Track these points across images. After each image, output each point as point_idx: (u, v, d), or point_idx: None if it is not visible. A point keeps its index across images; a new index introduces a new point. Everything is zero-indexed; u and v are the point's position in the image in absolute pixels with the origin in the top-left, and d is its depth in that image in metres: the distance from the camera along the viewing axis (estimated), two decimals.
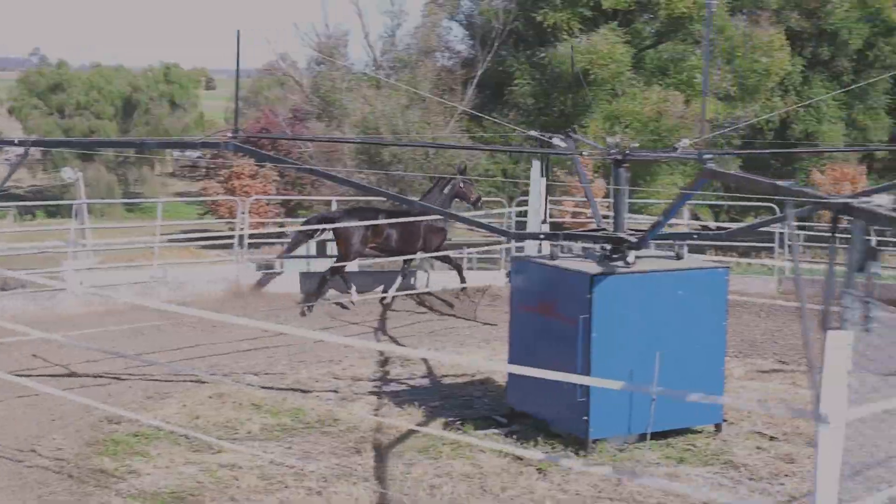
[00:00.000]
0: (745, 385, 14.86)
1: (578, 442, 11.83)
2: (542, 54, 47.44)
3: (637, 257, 12.27)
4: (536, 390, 12.20)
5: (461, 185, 21.69)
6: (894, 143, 52.75)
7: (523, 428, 12.68)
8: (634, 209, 29.04)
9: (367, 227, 20.88)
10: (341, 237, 20.97)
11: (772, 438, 12.28)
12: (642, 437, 11.77)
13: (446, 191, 21.69)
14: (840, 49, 52.46)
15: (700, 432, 12.49)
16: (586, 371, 11.48)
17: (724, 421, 12.67)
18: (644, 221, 22.51)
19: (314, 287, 20.98)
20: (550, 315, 12.23)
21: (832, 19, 51.29)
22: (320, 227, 21.49)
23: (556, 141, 14.28)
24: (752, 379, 15.33)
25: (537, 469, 11.05)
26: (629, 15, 49.30)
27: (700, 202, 42.83)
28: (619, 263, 12.14)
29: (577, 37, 46.69)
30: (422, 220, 21.16)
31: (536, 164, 15.00)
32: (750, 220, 32.25)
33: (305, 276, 22.08)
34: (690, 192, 13.51)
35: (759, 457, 11.66)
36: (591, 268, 11.96)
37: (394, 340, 18.30)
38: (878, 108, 53.58)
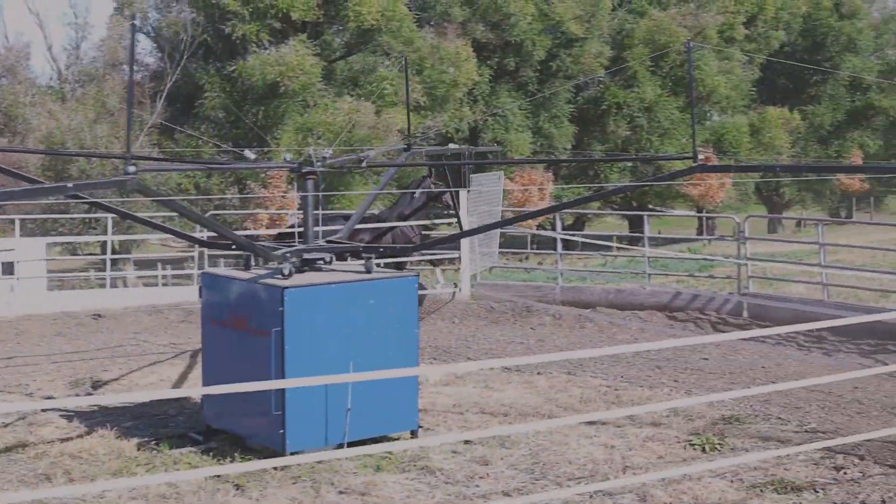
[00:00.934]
0: (440, 391, 15.07)
1: (276, 455, 11.68)
2: (233, 67, 47.00)
3: (329, 269, 12.29)
4: (232, 406, 12.00)
5: (432, 186, 21.15)
6: (578, 150, 55.19)
7: (220, 444, 12.42)
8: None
9: None
10: None
11: (466, 442, 12.48)
12: (340, 447, 11.74)
13: (417, 195, 20.99)
14: (525, 60, 54.49)
15: (397, 439, 12.57)
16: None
17: (420, 427, 12.81)
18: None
19: None
20: (243, 329, 12.06)
21: (516, 31, 53.17)
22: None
23: (248, 153, 14.10)
24: (448, 384, 15.57)
25: (234, 485, 10.84)
26: (318, 27, 49.56)
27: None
28: (308, 273, 12.15)
29: (266, 49, 46.52)
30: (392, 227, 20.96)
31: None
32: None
33: None
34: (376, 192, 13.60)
35: (455, 461, 11.82)
36: (282, 280, 11.87)
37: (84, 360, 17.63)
38: (561, 117, 55.91)
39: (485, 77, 53.03)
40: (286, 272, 12.06)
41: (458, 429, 13.13)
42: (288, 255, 12.37)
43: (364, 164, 14.09)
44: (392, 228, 20.92)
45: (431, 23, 52.50)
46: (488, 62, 53.89)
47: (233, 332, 12.24)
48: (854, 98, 77.70)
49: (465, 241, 22.70)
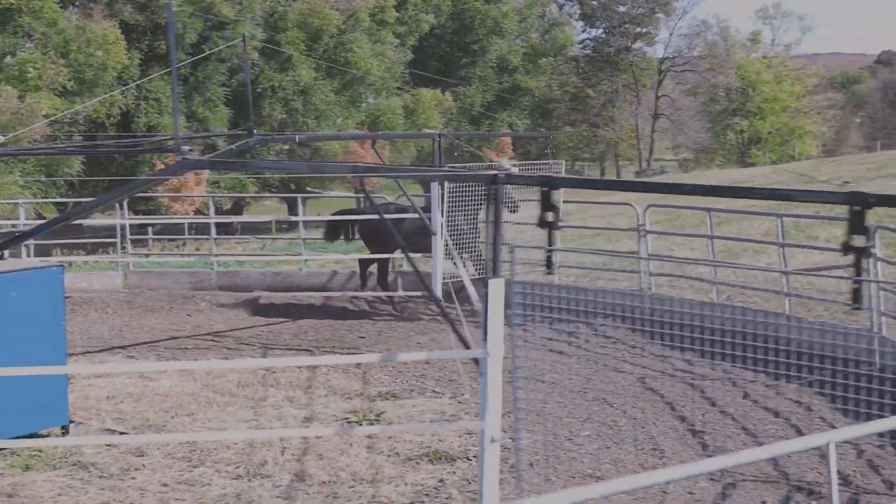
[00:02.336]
0: (93, 383, 14.61)
1: None
2: None
3: None
4: None
5: None
6: (235, 133, 54.59)
7: None
8: None
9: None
10: None
11: (122, 433, 12.18)
12: None
13: None
14: (176, 43, 53.38)
15: (47, 436, 12.09)
16: None
17: (72, 422, 12.37)
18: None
19: None
20: None
21: (165, 13, 52.01)
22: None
23: None
24: (101, 376, 15.09)
25: None
26: None
27: (44, 200, 41.83)
28: None
29: None
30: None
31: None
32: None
33: None
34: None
35: (110, 454, 11.50)
36: None
37: None
38: (216, 100, 55.24)
39: (135, 60, 51.70)
40: None
41: (112, 421, 12.78)
42: None
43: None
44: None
45: (76, 3, 50.65)
46: (138, 45, 52.57)
47: None
48: (502, 80, 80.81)
49: None
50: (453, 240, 18.11)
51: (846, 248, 6.87)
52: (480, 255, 19.00)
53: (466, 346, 11.14)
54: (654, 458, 11.16)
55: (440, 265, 18.27)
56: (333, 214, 21.99)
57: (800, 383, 13.85)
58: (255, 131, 15.81)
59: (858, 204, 6.83)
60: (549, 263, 9.69)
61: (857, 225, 6.84)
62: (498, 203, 8.04)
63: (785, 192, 8.31)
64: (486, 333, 7.40)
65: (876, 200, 6.88)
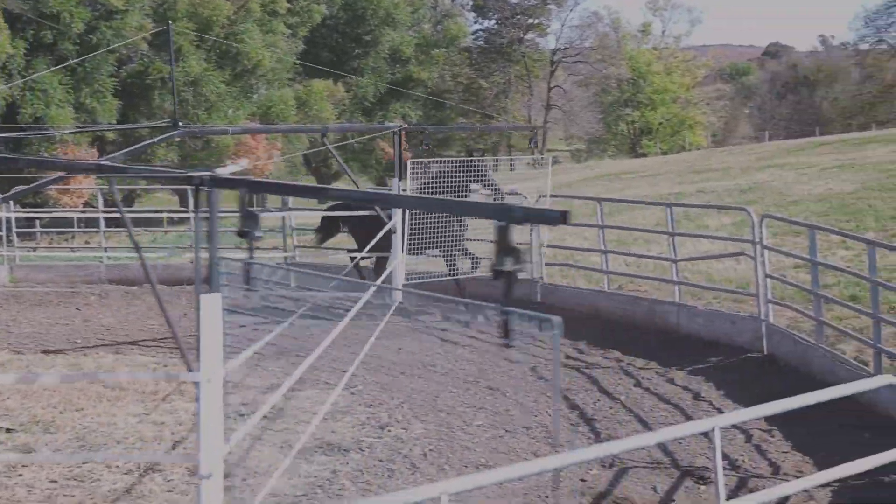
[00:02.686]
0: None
1: None
2: None
3: None
4: None
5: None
6: (125, 124, 53.71)
7: None
8: None
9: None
10: None
11: (8, 431, 11.92)
12: None
13: None
14: (62, 33, 52.34)
15: None
16: None
17: None
18: None
19: None
20: None
21: (51, 3, 51.03)
22: None
23: None
24: None
25: None
26: None
27: None
28: None
29: None
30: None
31: None
32: None
33: None
34: None
35: None
36: None
37: None
38: (104, 91, 54.29)
39: (20, 50, 50.56)
40: None
41: None
42: None
43: None
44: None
45: None
46: (23, 34, 51.40)
47: None
48: (394, 71, 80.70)
49: None
50: (439, 236, 17.63)
51: (496, 274, 5.86)
52: (468, 252, 18.61)
53: (189, 367, 11.11)
54: (546, 447, 11.25)
55: (401, 264, 17.80)
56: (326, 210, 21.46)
57: (689, 371, 14.08)
58: (179, 123, 15.46)
59: (505, 219, 5.81)
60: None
61: (502, 244, 5.92)
62: (213, 210, 6.83)
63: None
64: (199, 356, 6.57)
65: (523, 214, 5.88)
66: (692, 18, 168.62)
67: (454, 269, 18.30)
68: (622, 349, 15.34)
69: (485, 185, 17.73)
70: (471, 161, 17.71)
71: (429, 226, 17.82)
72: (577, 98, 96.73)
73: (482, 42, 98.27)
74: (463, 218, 18.10)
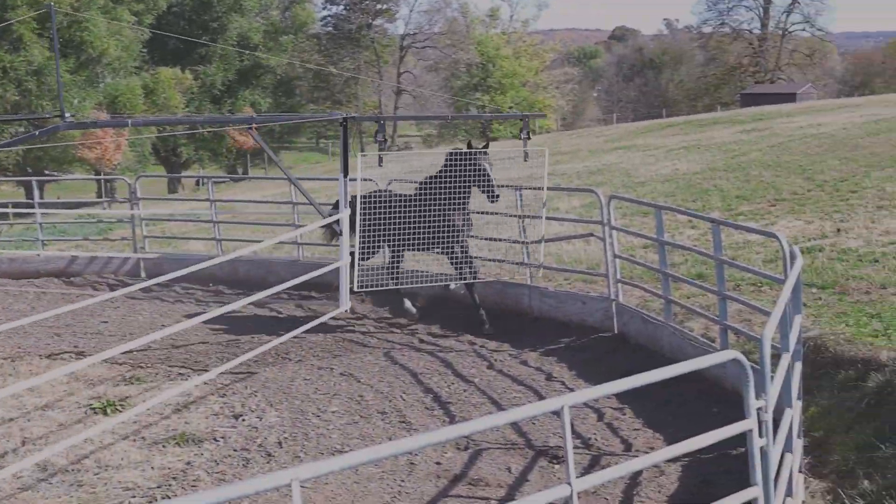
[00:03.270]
0: None
1: None
2: None
3: None
4: None
5: None
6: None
7: None
8: None
9: None
10: None
11: None
12: None
13: None
14: None
15: None
16: None
17: None
18: None
19: None
20: None
21: None
22: None
23: None
24: None
25: None
26: None
27: None
28: None
29: None
30: None
31: None
32: None
33: None
34: None
35: None
36: None
37: None
38: None
39: None
40: None
41: None
42: None
43: None
44: None
45: None
46: None
47: None
48: (243, 58, 79.86)
49: None
50: (438, 231, 15.95)
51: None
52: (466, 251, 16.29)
53: None
54: (401, 431, 11.31)
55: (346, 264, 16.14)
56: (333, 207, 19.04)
57: (542, 352, 14.28)
58: (66, 115, 14.77)
59: None
60: None
61: None
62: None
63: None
64: None
65: None
66: (539, 3, 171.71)
67: (462, 272, 16.37)
68: (475, 332, 15.48)
69: (484, 184, 16.03)
70: (471, 153, 15.90)
71: (427, 220, 16.12)
72: (427, 83, 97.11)
73: (331, 28, 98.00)
74: (467, 212, 16.47)
